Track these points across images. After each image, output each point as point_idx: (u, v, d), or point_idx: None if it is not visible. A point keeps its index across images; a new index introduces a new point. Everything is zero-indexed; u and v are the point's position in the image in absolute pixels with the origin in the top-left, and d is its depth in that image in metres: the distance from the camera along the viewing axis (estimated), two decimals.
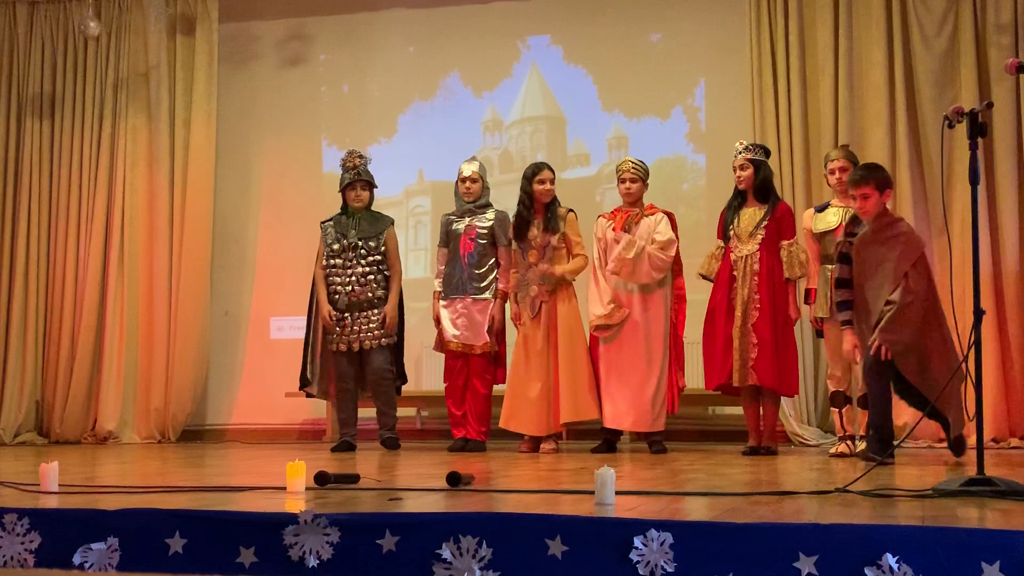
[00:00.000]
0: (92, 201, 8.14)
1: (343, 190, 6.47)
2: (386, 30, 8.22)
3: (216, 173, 8.13)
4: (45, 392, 8.11)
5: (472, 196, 6.31)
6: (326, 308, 6.33)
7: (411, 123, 8.14)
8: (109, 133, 8.19)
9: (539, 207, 6.04)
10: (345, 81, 8.38)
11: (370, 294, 6.32)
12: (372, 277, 6.33)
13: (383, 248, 6.39)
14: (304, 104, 8.36)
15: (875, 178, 4.86)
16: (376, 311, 6.31)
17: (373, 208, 6.53)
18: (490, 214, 6.31)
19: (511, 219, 6.17)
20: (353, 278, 6.33)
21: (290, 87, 8.35)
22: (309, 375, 6.47)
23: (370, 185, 6.47)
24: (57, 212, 8.21)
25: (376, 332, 6.29)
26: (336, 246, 6.39)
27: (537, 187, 6.02)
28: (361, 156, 6.48)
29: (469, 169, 6.35)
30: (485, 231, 6.25)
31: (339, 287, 6.34)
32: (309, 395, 6.58)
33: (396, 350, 6.43)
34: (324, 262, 6.43)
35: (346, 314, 6.31)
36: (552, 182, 6.04)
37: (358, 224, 6.41)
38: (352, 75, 8.35)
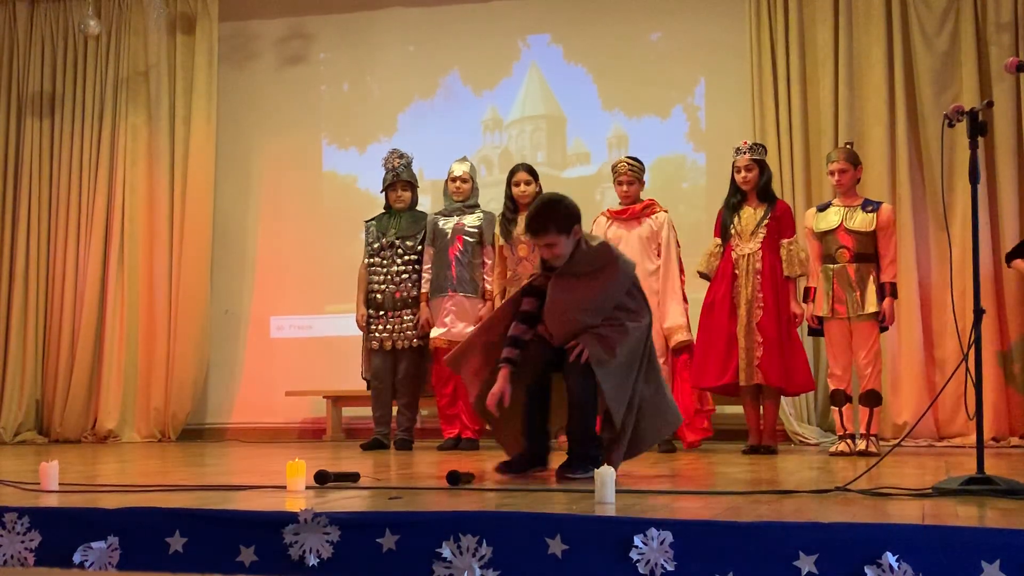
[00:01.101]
0: (92, 200, 8.13)
1: (385, 190, 6.44)
2: (386, 29, 8.21)
3: (216, 172, 8.13)
4: (45, 391, 8.10)
5: (461, 195, 6.34)
6: (360, 310, 6.35)
7: (411, 122, 8.13)
8: (109, 132, 8.19)
9: (522, 207, 6.05)
10: (345, 80, 8.37)
11: (404, 294, 6.28)
12: (407, 276, 6.30)
13: (420, 248, 6.35)
14: (304, 103, 8.36)
15: (554, 223, 3.81)
16: (410, 311, 6.27)
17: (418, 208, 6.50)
18: (478, 213, 6.34)
19: (497, 220, 6.21)
20: (389, 277, 6.31)
21: (290, 86, 8.35)
22: (363, 370, 6.45)
23: (411, 185, 6.45)
24: (57, 211, 8.21)
25: (409, 333, 6.25)
26: (376, 244, 6.38)
27: (513, 189, 6.11)
28: (401, 156, 6.42)
29: (460, 169, 6.38)
30: (474, 230, 6.27)
31: (376, 286, 6.33)
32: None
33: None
34: (366, 260, 6.43)
35: (381, 312, 6.30)
36: (528, 183, 6.08)
37: (398, 223, 6.38)
38: (352, 74, 8.34)
